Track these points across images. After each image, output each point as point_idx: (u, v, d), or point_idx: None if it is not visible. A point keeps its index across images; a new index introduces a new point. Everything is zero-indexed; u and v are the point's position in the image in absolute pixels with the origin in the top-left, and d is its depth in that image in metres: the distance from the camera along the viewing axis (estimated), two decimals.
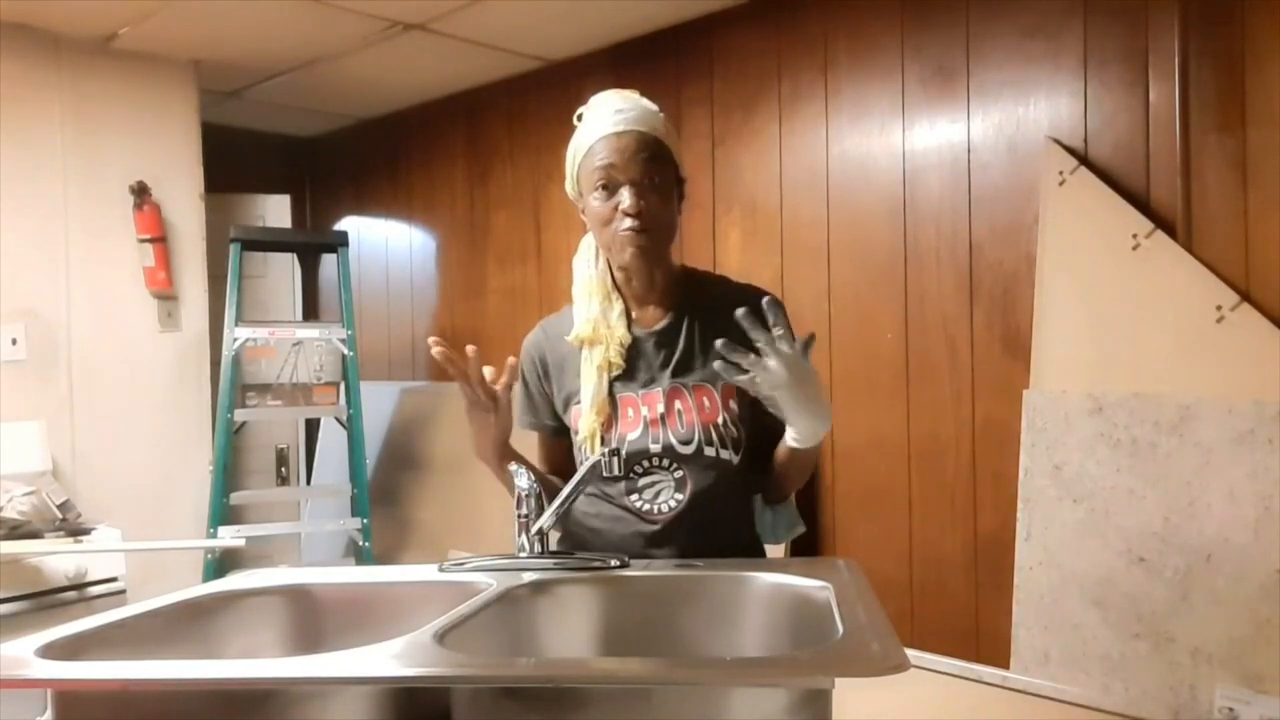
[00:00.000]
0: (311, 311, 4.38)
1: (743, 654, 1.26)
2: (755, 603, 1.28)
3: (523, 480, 1.37)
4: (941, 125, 2.60)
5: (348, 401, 3.61)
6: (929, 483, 2.62)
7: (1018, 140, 2.46)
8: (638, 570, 1.34)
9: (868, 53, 2.74)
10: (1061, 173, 2.35)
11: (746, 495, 1.57)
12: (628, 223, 1.44)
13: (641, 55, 3.28)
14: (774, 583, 1.28)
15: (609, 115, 1.47)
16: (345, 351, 3.58)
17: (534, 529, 1.37)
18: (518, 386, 1.63)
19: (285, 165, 4.60)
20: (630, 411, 1.51)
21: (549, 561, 1.35)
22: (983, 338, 2.53)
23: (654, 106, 1.52)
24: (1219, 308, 2.11)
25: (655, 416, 1.49)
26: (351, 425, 3.61)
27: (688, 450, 1.48)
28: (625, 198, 1.44)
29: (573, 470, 1.54)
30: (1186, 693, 2.08)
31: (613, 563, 1.36)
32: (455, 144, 3.99)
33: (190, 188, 3.48)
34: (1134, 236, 2.23)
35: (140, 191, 3.28)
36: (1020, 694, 2.29)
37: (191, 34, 3.21)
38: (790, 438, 1.41)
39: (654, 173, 1.45)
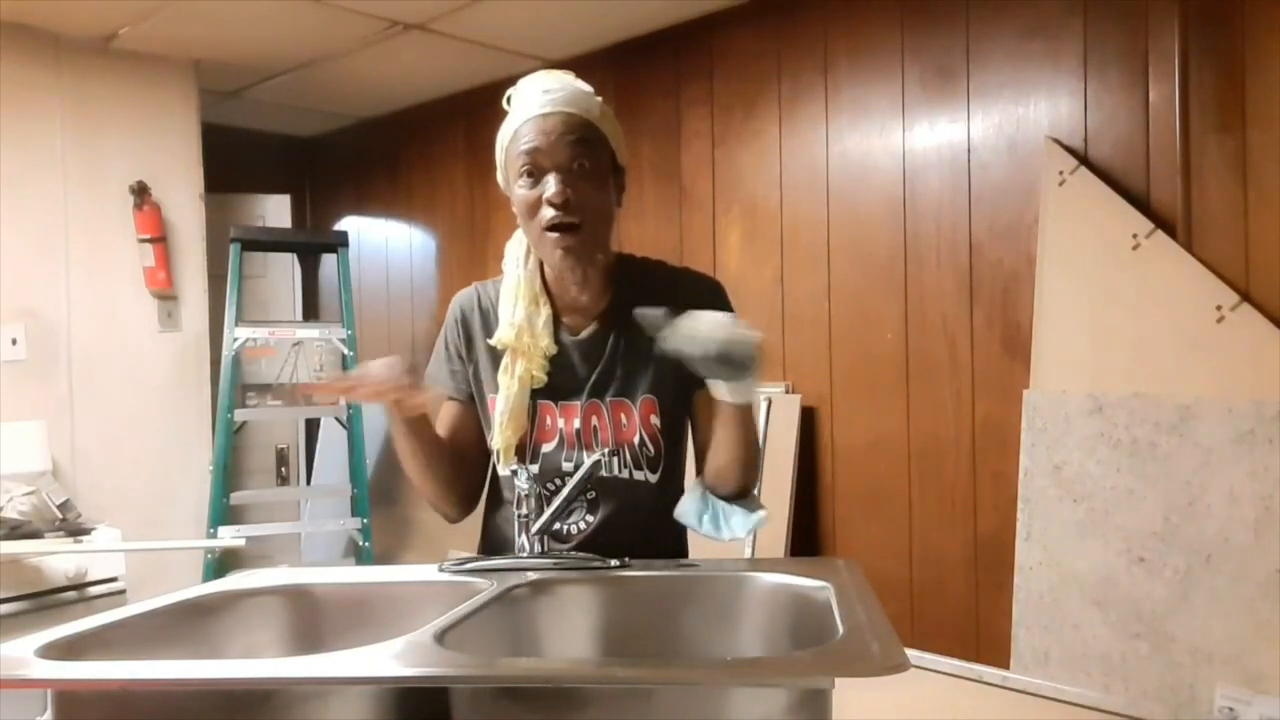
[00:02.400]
0: (311, 311, 4.37)
1: (743, 654, 1.26)
2: (755, 603, 1.28)
3: (523, 480, 1.37)
4: (941, 125, 2.60)
5: (347, 402, 3.61)
6: (929, 483, 2.62)
7: (1018, 140, 2.46)
8: (638, 570, 1.34)
9: (868, 53, 2.74)
10: (1061, 173, 2.35)
11: (665, 513, 1.45)
12: (551, 213, 1.33)
13: (641, 55, 3.28)
14: (774, 583, 1.28)
15: (536, 96, 1.36)
16: (345, 351, 3.58)
17: (534, 529, 1.37)
18: (437, 345, 1.55)
19: (285, 165, 4.60)
20: (548, 420, 1.45)
21: (549, 561, 1.35)
22: (983, 338, 2.53)
23: (588, 88, 1.40)
24: (1219, 308, 2.11)
25: (571, 432, 1.43)
26: (351, 425, 3.61)
27: (601, 472, 1.41)
28: (550, 185, 1.33)
29: (478, 445, 1.49)
30: (1186, 693, 2.08)
31: (612, 563, 1.36)
32: (455, 144, 3.99)
33: (190, 188, 3.48)
34: (1134, 236, 2.23)
35: (140, 191, 3.28)
36: (1020, 694, 2.29)
37: (191, 34, 3.21)
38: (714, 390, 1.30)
39: (583, 158, 1.34)
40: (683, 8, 3.06)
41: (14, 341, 3.07)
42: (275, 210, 4.10)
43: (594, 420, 1.43)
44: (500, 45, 3.35)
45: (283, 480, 3.96)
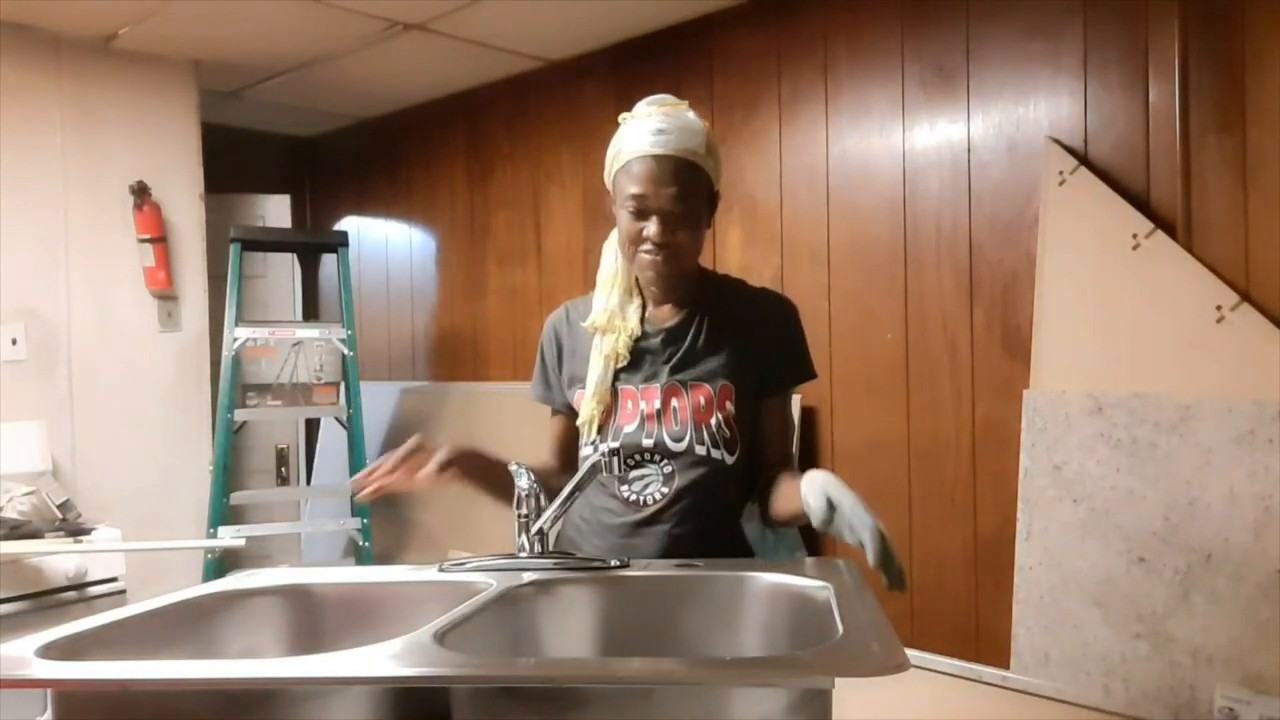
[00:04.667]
0: (311, 311, 4.38)
1: (743, 654, 1.26)
2: (755, 603, 1.28)
3: (523, 480, 1.37)
4: (941, 125, 2.60)
5: (348, 401, 3.62)
6: (929, 483, 2.62)
7: (1018, 140, 2.46)
8: (638, 570, 1.34)
9: (868, 53, 2.74)
10: (1061, 173, 2.35)
11: (739, 495, 1.58)
12: (650, 248, 1.48)
13: (641, 55, 3.28)
14: (774, 583, 1.28)
15: (649, 134, 1.47)
16: (345, 351, 3.58)
17: (534, 529, 1.37)
18: (536, 364, 1.70)
19: (285, 165, 4.60)
20: (629, 404, 1.55)
21: (549, 561, 1.35)
22: (983, 338, 2.53)
23: (697, 124, 1.50)
24: (1219, 308, 2.11)
25: (651, 412, 1.52)
26: (351, 425, 3.61)
27: (679, 448, 1.51)
28: (652, 227, 1.47)
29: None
30: (1186, 693, 2.08)
31: (613, 563, 1.36)
32: (455, 144, 3.98)
33: (190, 188, 3.48)
34: (1134, 236, 2.23)
35: (140, 191, 3.28)
36: (1020, 694, 2.29)
37: (191, 34, 3.21)
38: (807, 507, 1.41)
39: (684, 200, 1.47)
40: (683, 8, 3.06)
41: (14, 341, 3.07)
42: (275, 210, 4.10)
43: (674, 401, 1.53)
44: (500, 45, 3.35)
45: (283, 480, 3.96)
